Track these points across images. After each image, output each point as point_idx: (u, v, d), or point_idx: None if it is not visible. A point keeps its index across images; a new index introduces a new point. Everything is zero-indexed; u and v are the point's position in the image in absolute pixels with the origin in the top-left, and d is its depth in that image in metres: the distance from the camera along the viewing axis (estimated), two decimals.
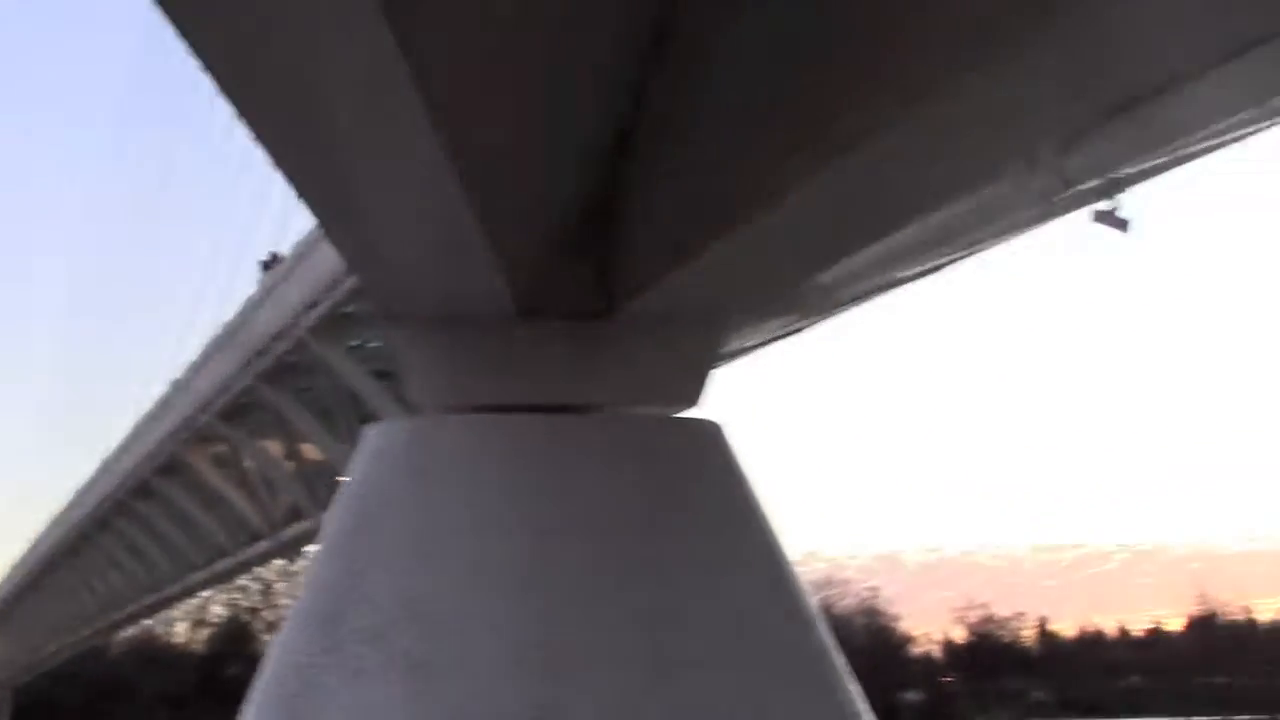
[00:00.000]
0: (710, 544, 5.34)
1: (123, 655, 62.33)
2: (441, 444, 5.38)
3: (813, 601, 5.57)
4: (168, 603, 36.36)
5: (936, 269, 12.76)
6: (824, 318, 10.05)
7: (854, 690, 5.38)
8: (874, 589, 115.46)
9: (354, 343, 16.50)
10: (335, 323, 17.03)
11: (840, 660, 5.47)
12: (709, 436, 5.83)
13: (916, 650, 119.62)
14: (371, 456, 5.41)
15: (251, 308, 19.87)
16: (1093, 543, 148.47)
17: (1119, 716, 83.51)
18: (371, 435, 5.46)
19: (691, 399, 5.99)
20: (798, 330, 10.26)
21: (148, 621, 54.86)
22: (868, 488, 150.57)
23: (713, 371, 6.00)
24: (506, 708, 4.59)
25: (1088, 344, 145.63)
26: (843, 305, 10.09)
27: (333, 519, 5.32)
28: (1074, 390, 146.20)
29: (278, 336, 18.49)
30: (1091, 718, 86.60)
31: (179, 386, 24.32)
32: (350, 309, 15.23)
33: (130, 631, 60.85)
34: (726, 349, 10.98)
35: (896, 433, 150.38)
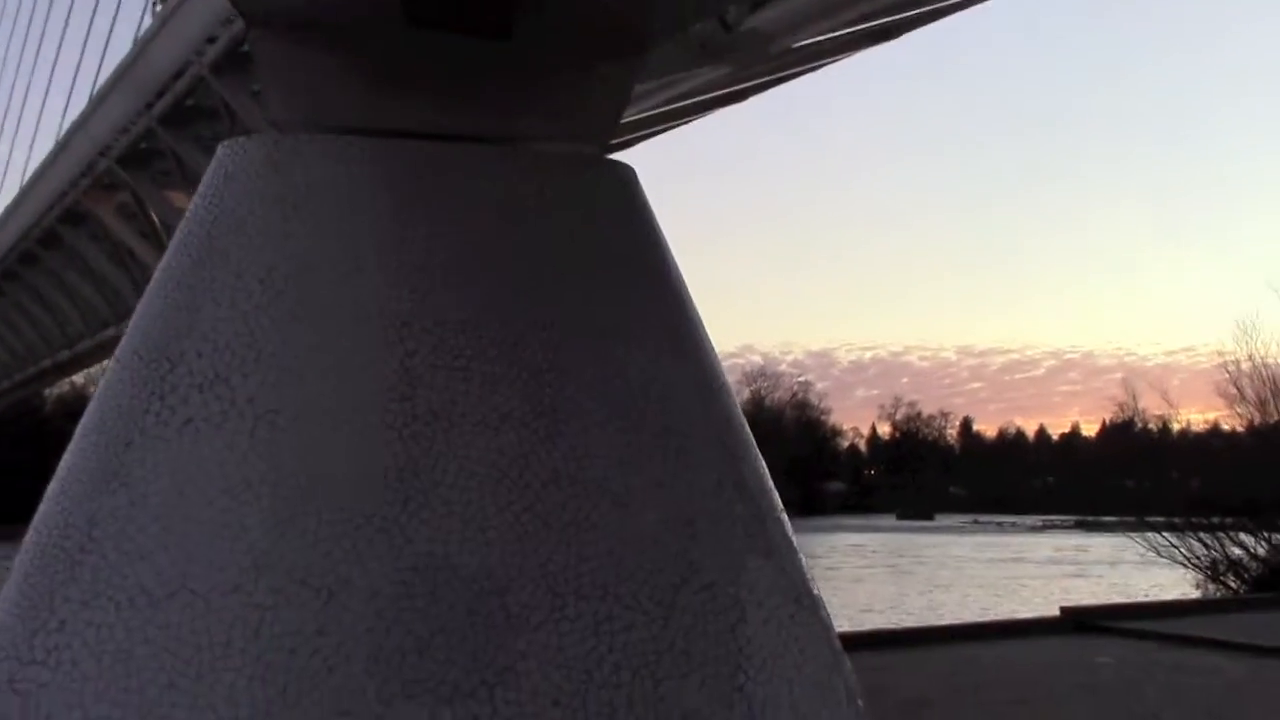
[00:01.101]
0: (612, 300, 4.63)
1: (54, 410, 63.49)
2: (305, 168, 4.59)
3: (723, 373, 4.92)
4: (85, 360, 35.90)
5: (886, 32, 11.85)
6: (763, 78, 9.22)
7: (761, 465, 4.80)
8: (806, 384, 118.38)
9: (258, 87, 15.41)
10: (236, 61, 16.03)
11: (747, 433, 4.87)
12: (620, 181, 5.07)
13: (844, 444, 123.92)
14: (222, 179, 4.61)
15: (147, 41, 18.54)
16: (1022, 349, 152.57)
17: (1028, 514, 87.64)
18: (223, 154, 4.64)
19: (602, 135, 5.22)
20: (736, 93, 9.43)
21: (78, 380, 55.23)
22: (806, 284, 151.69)
23: (626, 105, 5.21)
24: (366, 466, 3.97)
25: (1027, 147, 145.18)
26: (784, 68, 9.26)
27: (173, 248, 4.56)
28: (1012, 197, 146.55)
29: (176, 75, 17.49)
30: (1003, 514, 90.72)
31: (77, 128, 23.05)
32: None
33: (62, 389, 62.01)
34: (658, 104, 10.21)
35: (833, 227, 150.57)
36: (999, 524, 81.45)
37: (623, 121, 7.04)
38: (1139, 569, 29.19)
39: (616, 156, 7.65)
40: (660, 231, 5.26)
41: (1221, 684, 9.51)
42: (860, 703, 4.91)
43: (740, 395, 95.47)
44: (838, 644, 5.00)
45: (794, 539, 5.08)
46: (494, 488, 4.26)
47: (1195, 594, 21.93)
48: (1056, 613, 13.60)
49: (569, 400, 4.47)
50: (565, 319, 4.64)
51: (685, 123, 10.47)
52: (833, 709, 4.75)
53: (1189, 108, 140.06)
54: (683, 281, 5.22)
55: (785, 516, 5.11)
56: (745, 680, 4.42)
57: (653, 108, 7.31)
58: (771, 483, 5.15)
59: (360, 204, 4.68)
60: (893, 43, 12.27)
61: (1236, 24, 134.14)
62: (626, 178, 5.26)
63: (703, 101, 8.79)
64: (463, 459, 4.26)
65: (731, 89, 8.56)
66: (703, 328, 5.20)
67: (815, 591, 5.01)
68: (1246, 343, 22.63)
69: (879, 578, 35.55)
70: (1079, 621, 13.02)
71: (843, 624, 21.23)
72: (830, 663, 4.86)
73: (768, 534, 4.86)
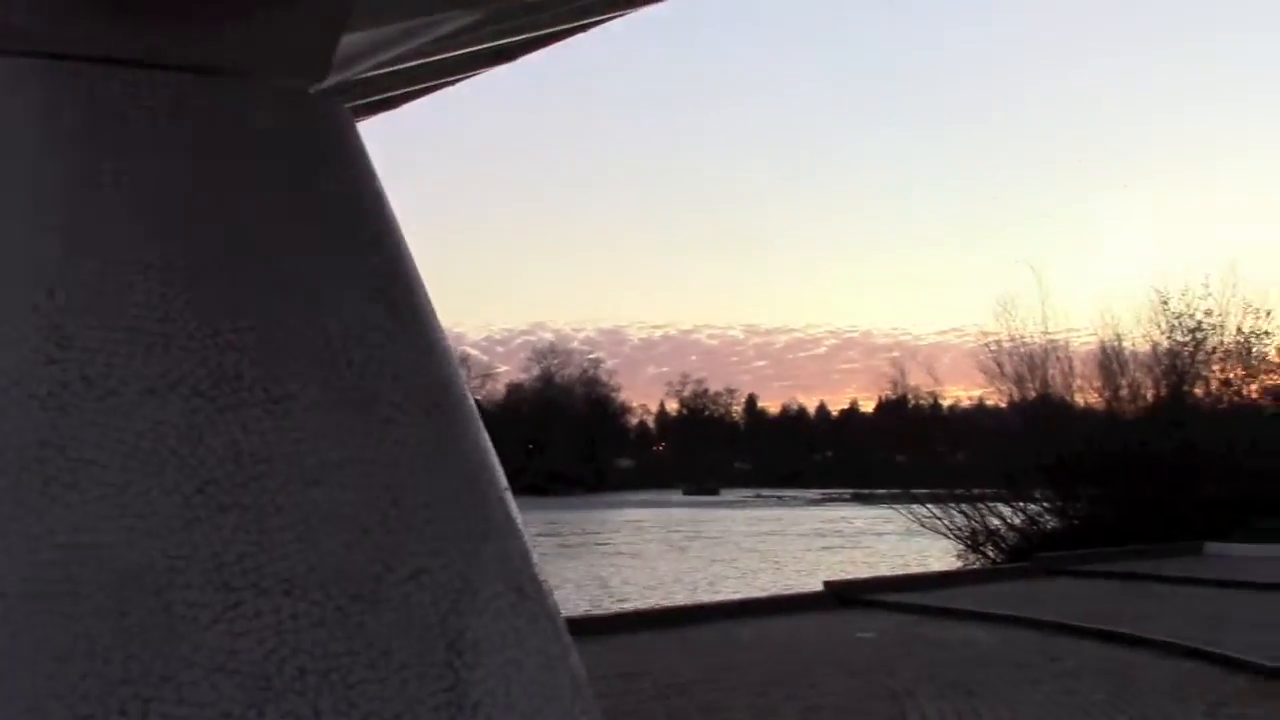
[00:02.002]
0: (315, 250, 4.04)
1: None
2: None
3: (444, 336, 4.40)
4: None
5: None
6: (530, 33, 8.65)
7: (484, 437, 4.31)
8: (596, 361, 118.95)
9: None
10: None
11: (469, 403, 4.37)
12: (331, 122, 4.48)
13: (633, 420, 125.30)
14: None
15: None
16: (805, 328, 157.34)
17: (809, 488, 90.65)
18: None
19: (313, 71, 4.61)
20: (501, 51, 8.82)
21: None
22: (598, 263, 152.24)
23: (338, 38, 4.60)
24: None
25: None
26: (556, 22, 8.66)
27: None
28: (796, 182, 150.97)
29: None
30: (785, 488, 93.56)
31: None
32: None
33: None
34: (411, 57, 9.50)
35: (627, 207, 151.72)
36: (780, 498, 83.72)
37: (376, 74, 6.42)
38: (906, 540, 30.26)
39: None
40: (375, 179, 4.70)
41: (974, 655, 9.64)
42: (588, 693, 4.52)
43: (530, 372, 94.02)
44: (565, 634, 4.58)
45: (519, 519, 4.61)
46: (159, 466, 3.63)
47: (956, 564, 22.75)
48: (821, 587, 13.69)
49: (256, 364, 3.88)
50: (257, 270, 4.04)
51: (451, 82, 9.75)
52: (558, 704, 4.34)
53: (960, 95, 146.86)
54: (400, 234, 4.68)
55: (510, 496, 4.65)
56: (457, 679, 3.94)
57: (405, 60, 6.66)
58: (495, 457, 4.68)
59: (26, 136, 3.98)
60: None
61: (999, 12, 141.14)
62: (338, 119, 4.69)
63: (463, 58, 8.14)
64: (121, 433, 3.62)
65: (496, 44, 7.94)
66: (421, 285, 4.67)
67: (540, 577, 4.57)
68: (1006, 321, 23.55)
69: (657, 554, 35.73)
70: (842, 596, 13.14)
71: (612, 603, 21.05)
72: (555, 654, 4.43)
73: (488, 515, 4.39)
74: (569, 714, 4.36)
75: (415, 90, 8.57)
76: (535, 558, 4.67)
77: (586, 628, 11.57)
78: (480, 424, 4.53)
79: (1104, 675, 8.74)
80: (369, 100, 8.18)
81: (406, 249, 4.64)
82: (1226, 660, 8.93)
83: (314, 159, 4.50)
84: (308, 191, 4.41)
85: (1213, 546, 18.24)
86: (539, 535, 45.41)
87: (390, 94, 8.30)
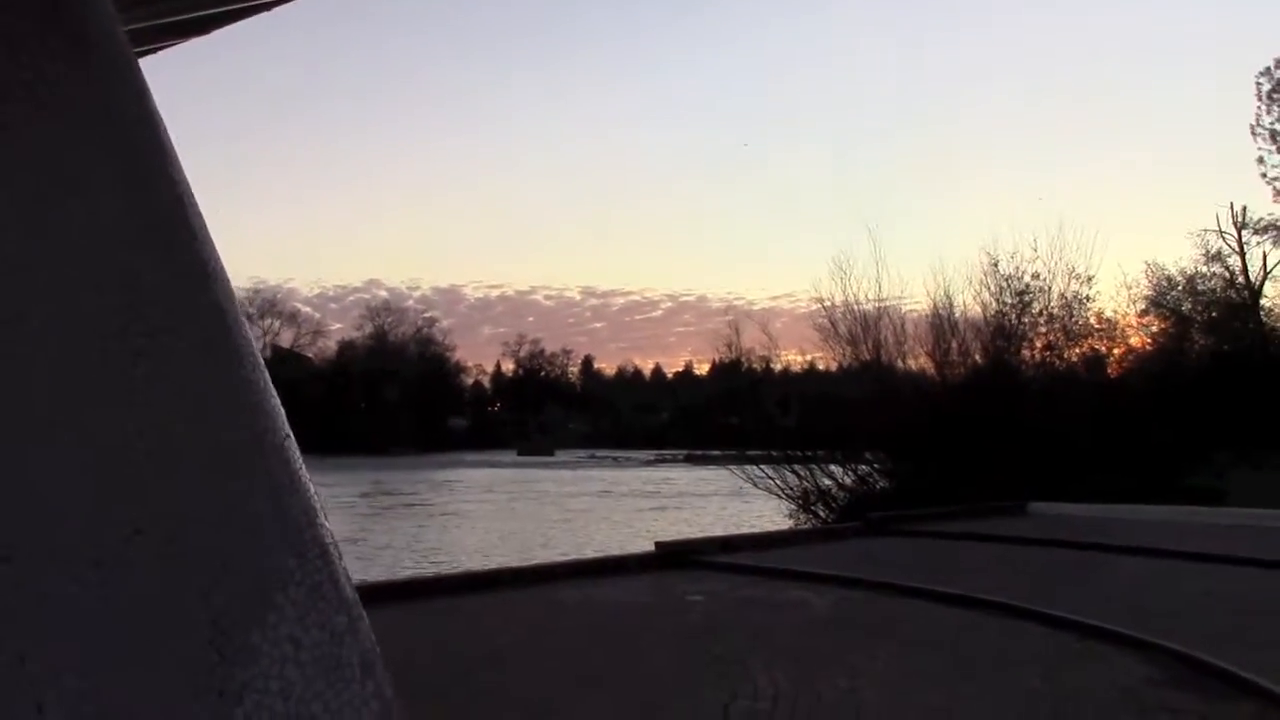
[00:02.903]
0: (59, 171, 3.18)
1: None
2: None
3: (220, 262, 3.57)
4: None
5: None
6: None
7: (263, 373, 3.51)
8: (431, 319, 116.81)
9: None
10: None
11: (245, 333, 3.57)
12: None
13: (469, 381, 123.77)
14: None
15: None
16: (642, 290, 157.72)
17: (644, 449, 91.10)
18: None
19: None
20: None
21: None
22: (434, 220, 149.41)
23: None
24: None
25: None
26: None
27: None
28: (636, 142, 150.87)
29: None
30: (619, 449, 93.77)
31: None
32: None
33: None
34: None
35: (464, 164, 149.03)
36: (615, 459, 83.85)
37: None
38: (738, 500, 30.24)
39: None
40: (151, 107, 3.85)
41: (807, 620, 9.25)
42: (381, 672, 3.80)
43: (363, 330, 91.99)
44: (356, 604, 3.83)
45: (303, 471, 3.83)
46: None
47: (789, 524, 22.71)
48: (652, 548, 13.20)
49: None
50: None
51: (266, 6, 8.69)
52: (342, 685, 3.61)
53: (808, 61, 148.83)
54: (176, 170, 3.84)
55: (293, 443, 3.88)
56: (220, 659, 3.15)
57: None
58: (277, 401, 3.89)
59: None
60: None
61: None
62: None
63: None
64: None
65: None
66: (198, 220, 3.84)
67: (327, 539, 3.81)
68: (841, 280, 23.46)
69: (485, 515, 34.98)
70: (673, 557, 12.68)
71: (435, 566, 20.23)
72: (341, 628, 3.69)
73: (263, 466, 3.61)
74: (356, 696, 3.64)
75: (223, 12, 7.52)
76: (323, 517, 3.90)
77: (403, 592, 10.84)
78: (259, 362, 3.75)
79: (940, 639, 8.44)
80: (165, 21, 7.13)
81: (184, 188, 3.79)
82: (1056, 620, 8.74)
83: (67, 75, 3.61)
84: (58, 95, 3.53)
85: (1037, 506, 18.52)
86: (364, 495, 44.06)
87: (192, 14, 7.25)
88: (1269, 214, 36.61)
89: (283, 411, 3.89)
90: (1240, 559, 12.17)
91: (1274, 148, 36.22)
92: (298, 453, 3.93)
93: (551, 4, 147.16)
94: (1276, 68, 35.90)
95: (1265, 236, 36.56)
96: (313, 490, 3.91)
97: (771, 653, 7.80)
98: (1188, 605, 9.65)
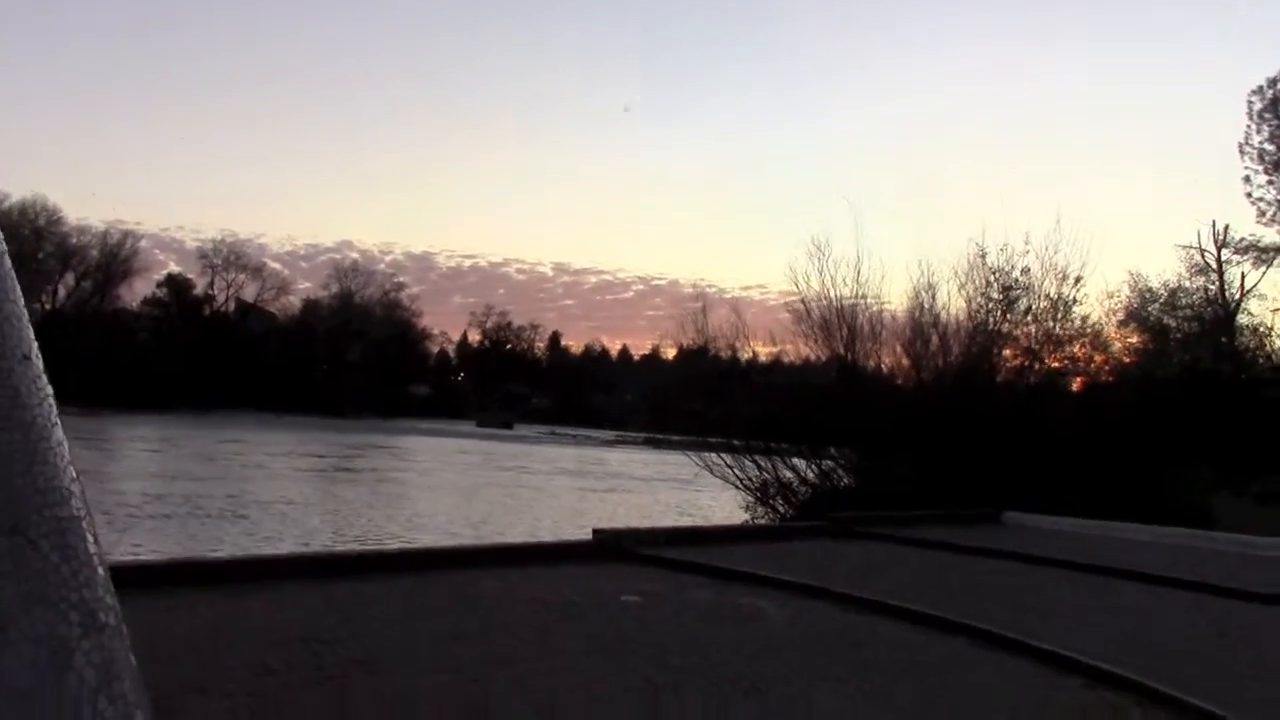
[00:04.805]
0: None
1: None
2: None
3: None
4: None
5: None
6: None
7: (20, 309, 1.89)
8: (399, 284, 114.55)
9: None
10: None
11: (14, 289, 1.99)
12: None
13: (434, 349, 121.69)
14: None
15: None
16: (615, 271, 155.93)
17: (605, 429, 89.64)
18: None
19: None
20: None
21: None
22: (411, 186, 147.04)
23: None
24: None
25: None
26: None
27: None
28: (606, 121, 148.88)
29: None
30: (580, 427, 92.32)
31: None
32: None
33: None
34: None
35: (444, 131, 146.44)
36: (575, 436, 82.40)
37: None
38: (692, 488, 28.81)
39: None
40: None
41: (761, 636, 7.78)
42: (129, 687, 2.32)
43: (330, 289, 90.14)
44: (104, 604, 2.34)
45: (53, 432, 2.32)
46: None
47: (744, 517, 21.29)
48: (589, 536, 11.68)
49: None
50: None
51: None
52: (63, 705, 2.17)
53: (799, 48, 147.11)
54: None
55: (50, 398, 2.38)
56: None
57: None
58: (32, 340, 2.39)
59: None
60: None
61: None
62: None
63: None
64: None
65: None
66: None
67: (80, 514, 2.31)
68: (819, 261, 21.76)
69: (424, 486, 33.35)
70: (612, 547, 11.18)
71: (352, 541, 18.59)
72: (72, 633, 2.24)
73: None
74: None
75: None
76: (78, 489, 2.36)
77: (295, 569, 9.30)
78: (18, 293, 2.27)
79: (913, 668, 7.01)
80: None
81: None
82: (1056, 659, 7.31)
83: None
84: None
85: (1011, 516, 17.17)
86: (308, 456, 42.29)
87: None
88: (1251, 234, 35.37)
89: (38, 360, 2.40)
90: (1255, 593, 10.81)
91: (1261, 168, 35.01)
92: (52, 405, 2.45)
93: None
94: (1269, 87, 34.66)
95: (1245, 257, 35.38)
96: (64, 453, 2.41)
97: (716, 677, 6.33)
98: (1205, 644, 8.27)
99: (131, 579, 7.54)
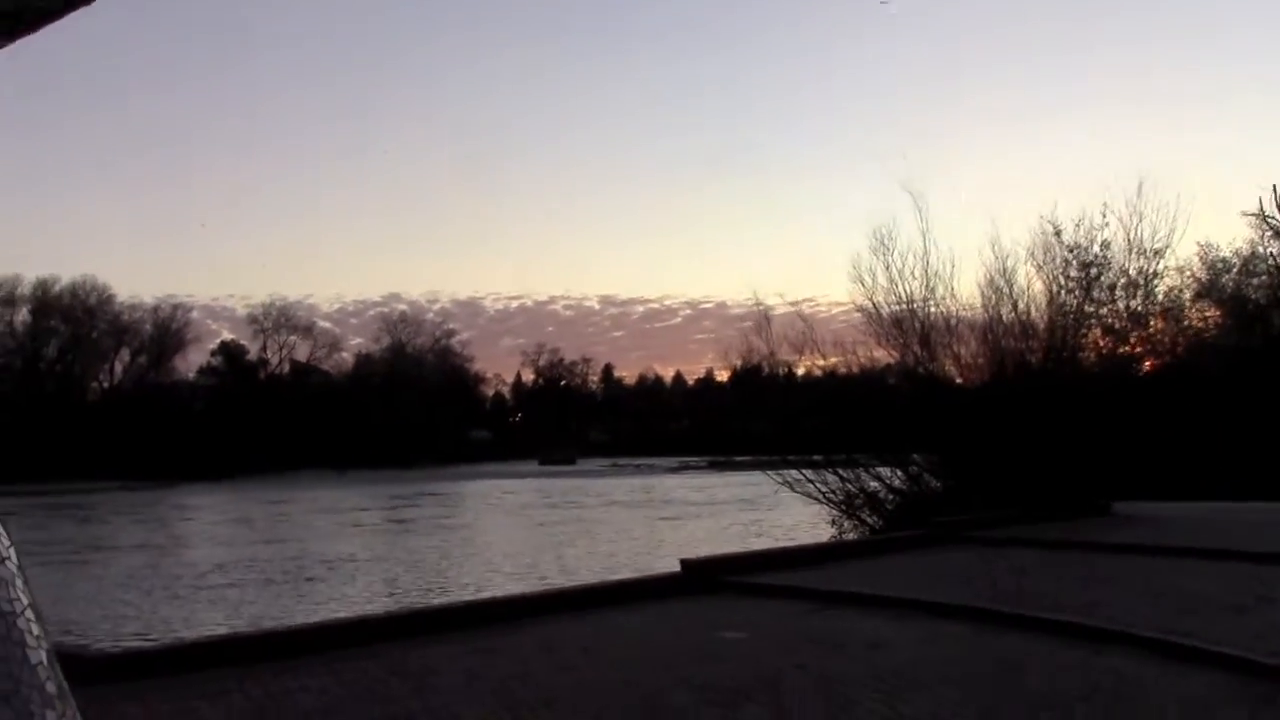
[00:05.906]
0: None
1: None
2: None
3: None
4: None
5: None
6: None
7: None
8: (449, 331, 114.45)
9: None
10: None
11: None
12: None
13: (489, 392, 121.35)
14: None
15: None
16: (661, 299, 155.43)
17: (666, 456, 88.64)
18: None
19: None
20: None
21: None
22: (454, 233, 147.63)
23: None
24: None
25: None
26: None
27: None
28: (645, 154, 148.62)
29: None
30: (642, 457, 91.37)
31: None
32: None
33: None
34: None
35: (479, 178, 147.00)
36: (638, 466, 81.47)
37: None
38: (765, 507, 27.74)
39: None
40: None
41: (893, 666, 6.70)
42: None
43: (381, 343, 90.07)
44: (30, 662, 1.42)
45: None
46: None
47: (830, 532, 20.16)
48: (677, 567, 10.65)
49: None
50: None
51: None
52: None
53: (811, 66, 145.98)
54: None
55: None
56: None
57: None
58: None
59: None
60: None
61: None
62: None
63: None
64: None
65: None
66: None
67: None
68: (884, 255, 20.43)
69: (504, 529, 32.51)
70: (704, 577, 10.15)
71: (426, 594, 17.73)
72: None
73: None
74: None
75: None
76: (20, 580, 1.44)
77: (367, 632, 8.31)
78: None
79: (1092, 693, 5.93)
80: None
81: None
82: (1253, 667, 6.21)
83: None
84: None
85: (1121, 506, 15.95)
86: (367, 510, 41.64)
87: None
88: None
89: None
90: None
91: None
92: None
93: (565, 9, 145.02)
94: None
95: None
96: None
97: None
98: None
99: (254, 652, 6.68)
